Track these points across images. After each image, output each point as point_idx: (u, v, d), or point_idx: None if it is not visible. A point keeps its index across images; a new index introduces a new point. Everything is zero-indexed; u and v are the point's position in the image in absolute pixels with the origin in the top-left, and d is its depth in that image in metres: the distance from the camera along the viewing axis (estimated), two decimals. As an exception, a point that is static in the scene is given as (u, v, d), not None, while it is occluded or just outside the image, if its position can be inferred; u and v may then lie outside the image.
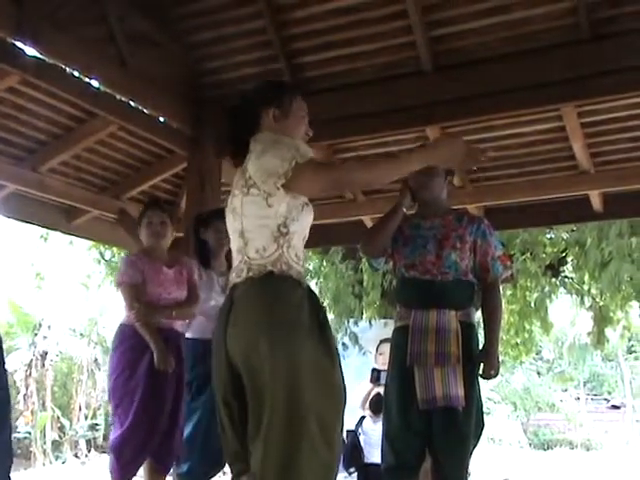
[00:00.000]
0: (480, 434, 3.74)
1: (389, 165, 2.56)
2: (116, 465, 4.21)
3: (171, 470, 4.38)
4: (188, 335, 4.40)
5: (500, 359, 3.78)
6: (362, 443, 6.04)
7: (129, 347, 4.31)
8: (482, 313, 3.81)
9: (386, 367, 3.98)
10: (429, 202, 3.86)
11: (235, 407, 2.60)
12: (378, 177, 2.62)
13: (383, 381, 4.24)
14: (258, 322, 2.51)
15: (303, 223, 2.64)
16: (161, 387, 4.21)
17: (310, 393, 2.46)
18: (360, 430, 6.12)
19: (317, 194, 2.70)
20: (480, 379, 3.72)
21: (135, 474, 4.28)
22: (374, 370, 6.21)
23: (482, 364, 3.66)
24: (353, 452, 6.05)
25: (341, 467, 6.40)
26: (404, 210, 3.82)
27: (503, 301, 9.49)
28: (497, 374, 3.70)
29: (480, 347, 3.74)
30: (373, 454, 5.58)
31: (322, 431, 2.47)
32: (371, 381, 6.18)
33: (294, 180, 2.50)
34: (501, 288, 3.99)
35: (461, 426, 3.56)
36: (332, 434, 2.52)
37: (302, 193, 2.58)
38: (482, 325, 3.84)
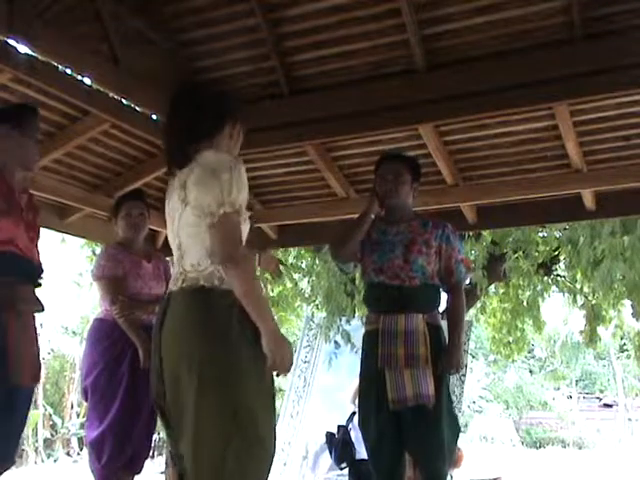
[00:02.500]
0: (457, 431, 3.87)
1: (261, 307, 2.57)
2: (97, 464, 4.15)
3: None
4: None
5: (463, 358, 3.90)
6: (353, 439, 6.04)
7: (111, 344, 4.24)
8: (446, 314, 3.95)
9: None
10: (396, 208, 4.01)
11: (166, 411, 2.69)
12: (250, 297, 2.56)
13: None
14: (185, 335, 2.59)
15: None
16: (144, 385, 4.18)
17: (241, 397, 2.52)
18: (351, 426, 6.13)
19: (215, 245, 2.63)
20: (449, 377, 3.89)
21: (118, 477, 4.22)
22: None
23: (445, 360, 3.80)
24: (344, 448, 6.05)
25: (333, 463, 6.41)
26: (372, 216, 3.95)
27: (495, 299, 9.49)
28: (458, 371, 3.83)
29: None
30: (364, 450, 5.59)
31: (254, 426, 2.52)
32: None
33: (213, 227, 2.53)
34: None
35: (432, 420, 3.69)
36: (264, 431, 2.57)
37: (210, 238, 2.57)
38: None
